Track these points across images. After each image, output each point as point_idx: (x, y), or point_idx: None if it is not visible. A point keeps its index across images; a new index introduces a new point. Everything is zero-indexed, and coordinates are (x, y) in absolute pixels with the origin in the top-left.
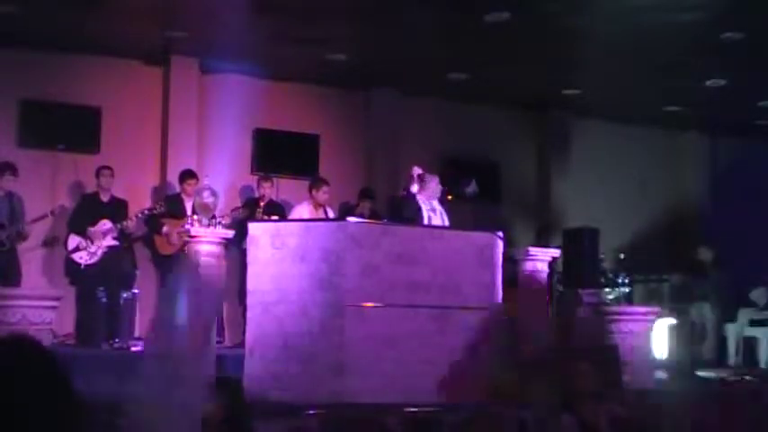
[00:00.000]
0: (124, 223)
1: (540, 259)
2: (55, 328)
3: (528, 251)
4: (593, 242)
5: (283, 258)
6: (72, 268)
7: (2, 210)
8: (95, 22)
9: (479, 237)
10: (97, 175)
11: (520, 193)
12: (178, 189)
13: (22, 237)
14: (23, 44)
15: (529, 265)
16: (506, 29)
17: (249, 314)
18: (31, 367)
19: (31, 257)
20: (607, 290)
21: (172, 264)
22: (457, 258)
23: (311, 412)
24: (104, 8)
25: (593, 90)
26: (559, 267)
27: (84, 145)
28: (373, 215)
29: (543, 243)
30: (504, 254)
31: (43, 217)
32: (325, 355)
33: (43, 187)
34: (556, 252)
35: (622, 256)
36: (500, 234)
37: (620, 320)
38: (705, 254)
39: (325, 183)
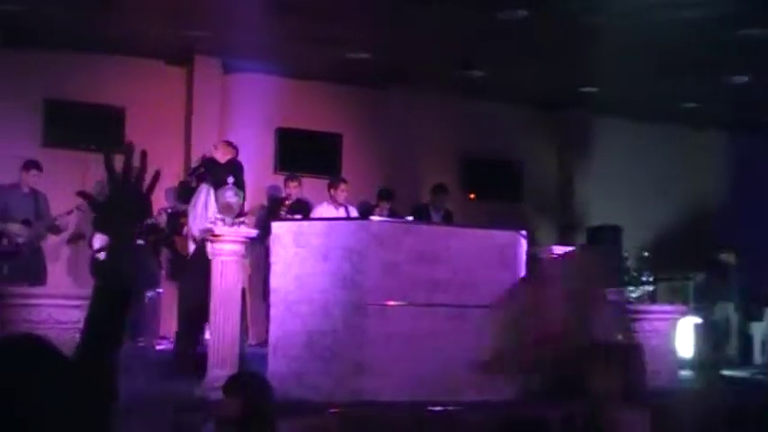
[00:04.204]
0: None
1: None
2: (81, 327)
3: (551, 249)
4: (616, 240)
5: (306, 257)
6: (97, 267)
7: (28, 207)
8: (119, 22)
9: (501, 235)
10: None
11: (541, 192)
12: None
13: (58, 230)
14: (49, 45)
15: None
16: (524, 26)
17: (272, 312)
18: (37, 367)
19: (56, 256)
20: (630, 288)
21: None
22: (478, 257)
23: (332, 411)
24: (128, 9)
25: (611, 88)
26: None
27: (109, 144)
28: (392, 215)
29: (566, 241)
30: (526, 252)
31: (69, 212)
32: (347, 353)
33: (67, 187)
34: None
35: (646, 254)
36: (523, 233)
37: (643, 319)
38: (727, 257)
39: (344, 181)
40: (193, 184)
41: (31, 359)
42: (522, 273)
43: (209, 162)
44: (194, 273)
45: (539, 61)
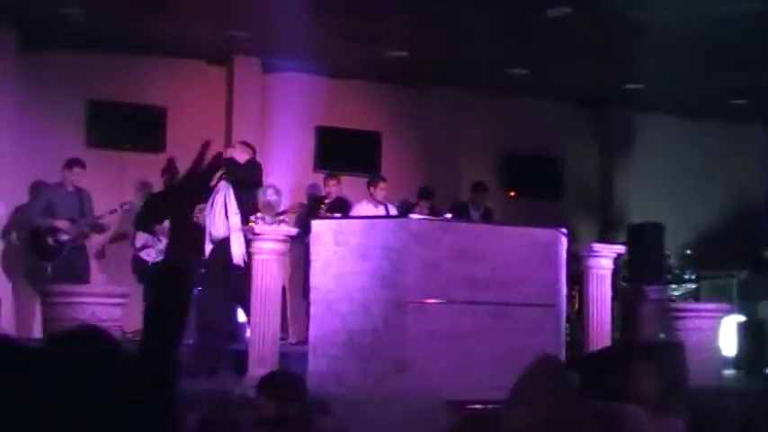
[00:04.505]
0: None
1: (605, 255)
2: (123, 325)
3: (592, 247)
4: (658, 238)
5: (345, 256)
6: (139, 266)
7: (72, 205)
8: (160, 23)
9: (542, 233)
10: (162, 173)
11: (582, 190)
12: None
13: (101, 229)
14: (91, 45)
15: (593, 262)
16: (567, 23)
17: (312, 311)
18: (102, 359)
19: (103, 253)
20: (673, 286)
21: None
22: (518, 255)
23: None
24: (168, 9)
25: (656, 84)
26: (624, 263)
27: (150, 144)
28: (432, 214)
29: (607, 239)
30: (567, 250)
31: (113, 211)
32: (387, 351)
33: (110, 186)
34: (620, 248)
35: (688, 251)
36: (563, 230)
37: (686, 317)
38: None
39: (383, 180)
40: (213, 184)
41: (93, 351)
42: (564, 270)
43: (227, 162)
44: (212, 274)
45: (582, 58)
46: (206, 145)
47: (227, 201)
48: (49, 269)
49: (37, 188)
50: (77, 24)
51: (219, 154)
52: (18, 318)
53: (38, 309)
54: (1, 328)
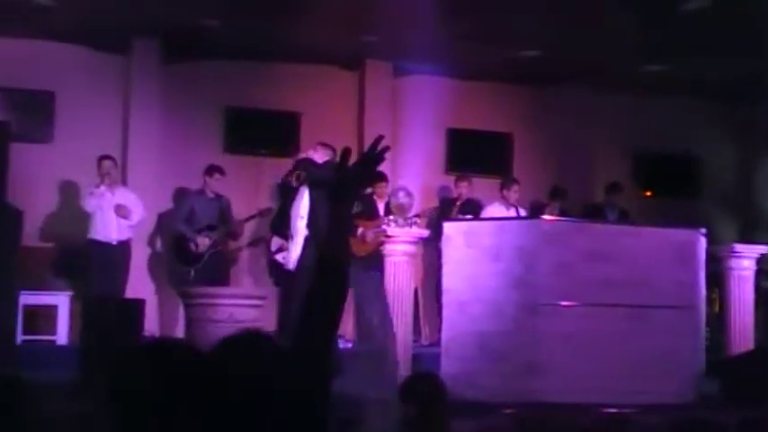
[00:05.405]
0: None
1: (747, 256)
2: (260, 326)
3: (733, 248)
4: None
5: (477, 257)
6: (275, 269)
7: (212, 211)
8: (293, 30)
9: (678, 234)
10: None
11: (722, 189)
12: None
13: (235, 235)
14: (228, 55)
15: (734, 263)
16: (706, 17)
17: (444, 313)
18: (271, 359)
19: (237, 259)
20: None
21: (367, 265)
22: (654, 256)
23: (505, 411)
24: (301, 17)
25: None
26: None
27: (285, 149)
28: (563, 214)
29: (749, 239)
30: (706, 251)
31: (252, 217)
32: (519, 353)
33: (247, 191)
34: (764, 248)
35: None
36: (702, 231)
37: None
38: None
39: (516, 182)
40: (294, 185)
41: (263, 353)
42: (703, 272)
43: (306, 163)
44: (299, 276)
45: (722, 53)
46: (378, 139)
47: (302, 203)
48: (191, 273)
49: (180, 195)
50: (215, 34)
51: (381, 137)
52: (161, 318)
53: (180, 310)
54: (146, 329)
